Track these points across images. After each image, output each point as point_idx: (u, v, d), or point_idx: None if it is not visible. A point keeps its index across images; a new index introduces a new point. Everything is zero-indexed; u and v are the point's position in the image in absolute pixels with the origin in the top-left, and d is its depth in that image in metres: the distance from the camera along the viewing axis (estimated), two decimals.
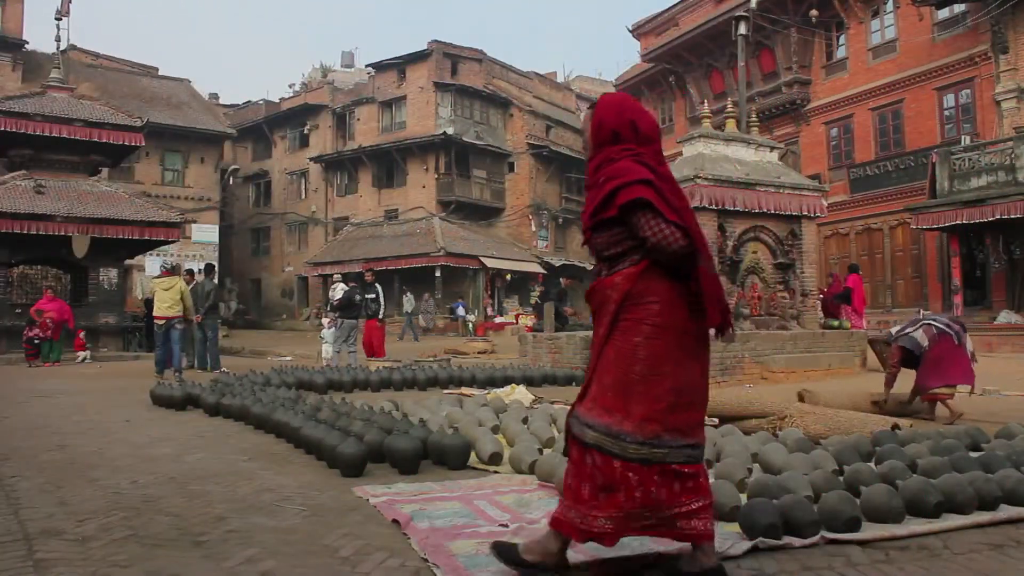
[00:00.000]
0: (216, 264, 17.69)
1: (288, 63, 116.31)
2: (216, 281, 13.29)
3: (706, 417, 5.86)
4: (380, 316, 12.84)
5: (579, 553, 2.76)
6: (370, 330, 12.78)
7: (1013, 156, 15.76)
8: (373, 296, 12.74)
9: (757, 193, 11.95)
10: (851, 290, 14.41)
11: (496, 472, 4.35)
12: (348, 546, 2.93)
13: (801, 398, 6.58)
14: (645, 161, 2.53)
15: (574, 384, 10.13)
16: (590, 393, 2.55)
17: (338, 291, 13.32)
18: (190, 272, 13.86)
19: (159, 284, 11.93)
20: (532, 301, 25.94)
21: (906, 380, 6.71)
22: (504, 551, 2.60)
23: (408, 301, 26.14)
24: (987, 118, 18.52)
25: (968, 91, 19.19)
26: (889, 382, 6.74)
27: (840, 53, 22.69)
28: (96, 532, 3.11)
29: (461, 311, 28.34)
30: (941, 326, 6.60)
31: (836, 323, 13.10)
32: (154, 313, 11.85)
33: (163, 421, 6.60)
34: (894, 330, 7.04)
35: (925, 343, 6.52)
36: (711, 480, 3.70)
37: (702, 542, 2.48)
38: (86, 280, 19.19)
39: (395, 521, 3.22)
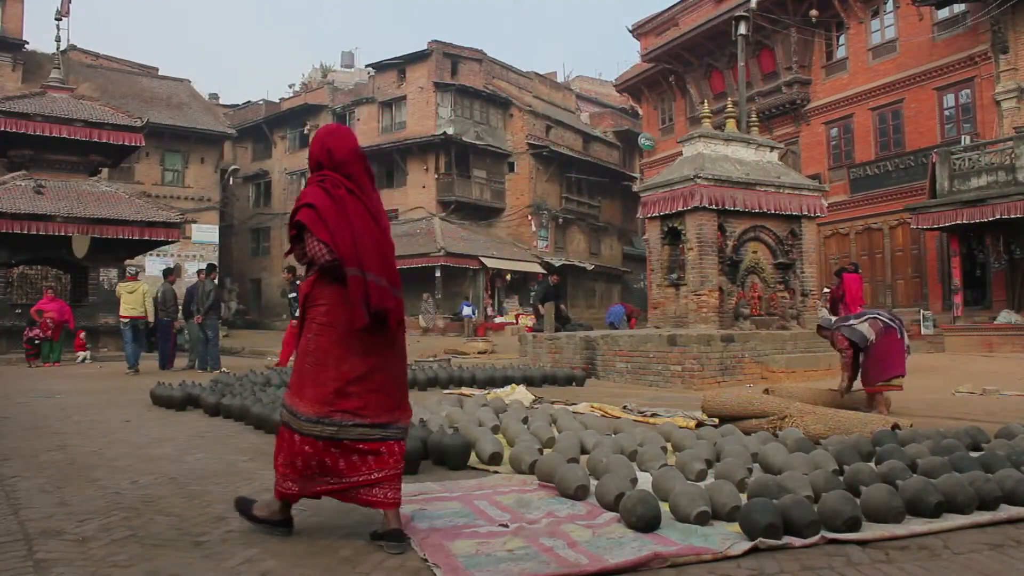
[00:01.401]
0: (216, 264, 17.70)
1: (288, 63, 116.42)
2: (216, 281, 13.41)
3: (699, 415, 5.92)
4: None
5: (581, 555, 2.76)
6: (290, 333, 12.49)
7: (1013, 156, 15.76)
8: (295, 295, 12.42)
9: (757, 193, 11.95)
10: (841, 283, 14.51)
11: (496, 472, 4.34)
12: (348, 546, 2.93)
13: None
14: (325, 186, 2.94)
15: (574, 384, 10.14)
16: (291, 381, 3.03)
17: None
18: (200, 272, 14.05)
19: (124, 288, 13.34)
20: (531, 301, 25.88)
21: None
22: (242, 505, 3.10)
23: None
24: (987, 118, 18.52)
25: (968, 91, 19.19)
26: (847, 366, 6.85)
27: (840, 53, 22.68)
28: (96, 532, 3.11)
29: (468, 311, 28.27)
30: (887, 320, 6.83)
31: None
32: (120, 314, 13.17)
33: (163, 421, 6.60)
34: (832, 319, 7.22)
35: (872, 337, 6.71)
36: (711, 480, 3.71)
37: (385, 509, 2.89)
38: (86, 280, 19.20)
39: None
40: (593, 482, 3.70)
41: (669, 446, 4.88)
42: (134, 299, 13.04)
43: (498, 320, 30.19)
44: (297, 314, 11.19)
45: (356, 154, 3.03)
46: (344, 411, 2.86)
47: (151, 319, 13.45)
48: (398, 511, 2.93)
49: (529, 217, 34.37)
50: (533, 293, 25.79)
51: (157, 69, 37.68)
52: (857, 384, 6.99)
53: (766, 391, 6.78)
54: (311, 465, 2.89)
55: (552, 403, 7.65)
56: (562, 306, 17.00)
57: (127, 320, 12.91)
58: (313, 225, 2.87)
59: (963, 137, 18.39)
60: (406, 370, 3.15)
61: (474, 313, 28.76)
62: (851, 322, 6.95)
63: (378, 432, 2.91)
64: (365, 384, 2.90)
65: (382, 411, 2.93)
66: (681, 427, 5.54)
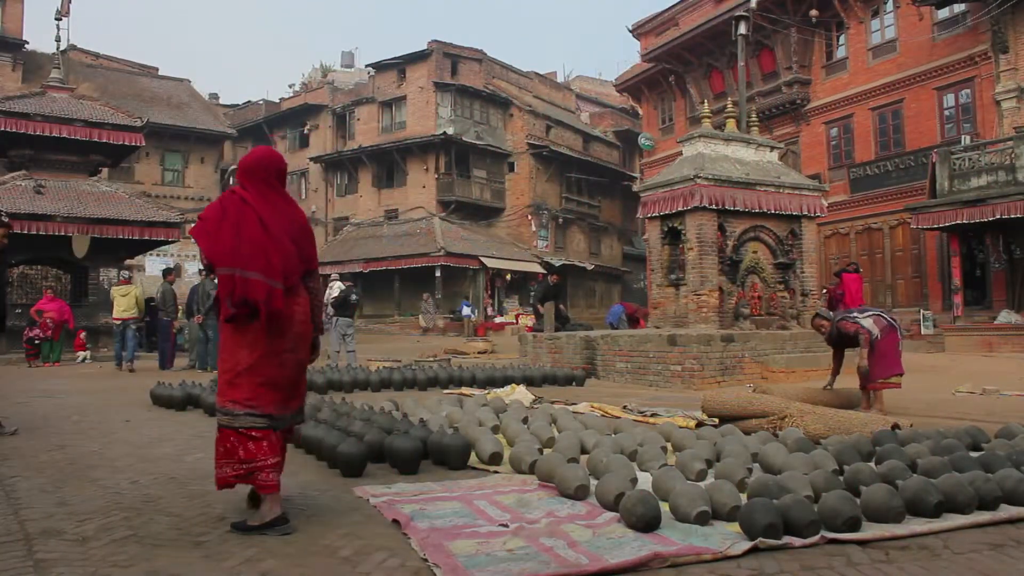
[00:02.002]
0: None
1: (288, 63, 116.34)
2: (216, 281, 13.51)
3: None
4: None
5: (582, 555, 2.76)
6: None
7: (1013, 156, 15.75)
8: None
9: (757, 193, 11.94)
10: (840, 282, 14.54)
11: (496, 472, 4.34)
12: (348, 546, 2.93)
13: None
14: (223, 201, 3.30)
15: (574, 384, 10.14)
16: None
17: (334, 290, 13.45)
18: (201, 272, 14.26)
19: (118, 291, 13.86)
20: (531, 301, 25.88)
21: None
22: (238, 526, 3.15)
23: None
24: (987, 118, 18.52)
25: (968, 91, 19.19)
26: (866, 342, 6.73)
27: (840, 53, 22.68)
28: (96, 532, 3.12)
29: (467, 311, 28.27)
30: (890, 319, 6.88)
31: None
32: (113, 315, 13.70)
33: (163, 421, 6.60)
34: (830, 313, 7.26)
35: (876, 332, 6.71)
36: (711, 480, 3.72)
37: (268, 493, 3.14)
38: (86, 280, 19.19)
39: (395, 521, 3.22)
40: (593, 482, 3.70)
41: (669, 446, 4.88)
42: (127, 301, 13.53)
43: (498, 320, 30.18)
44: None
45: (245, 167, 3.35)
46: (234, 401, 3.12)
47: (143, 318, 14.24)
48: (276, 496, 3.16)
49: (529, 217, 34.37)
50: (533, 293, 25.77)
51: (157, 69, 37.74)
52: (852, 383, 6.98)
53: (754, 389, 6.78)
54: (222, 451, 3.17)
55: (552, 403, 7.65)
56: (562, 306, 16.99)
57: (120, 322, 13.42)
58: (197, 236, 3.26)
59: (963, 137, 18.38)
60: (301, 362, 3.33)
61: (474, 313, 28.76)
62: (854, 315, 6.96)
63: (265, 421, 3.14)
64: (252, 375, 3.13)
65: (269, 402, 3.16)
66: (681, 427, 5.54)
